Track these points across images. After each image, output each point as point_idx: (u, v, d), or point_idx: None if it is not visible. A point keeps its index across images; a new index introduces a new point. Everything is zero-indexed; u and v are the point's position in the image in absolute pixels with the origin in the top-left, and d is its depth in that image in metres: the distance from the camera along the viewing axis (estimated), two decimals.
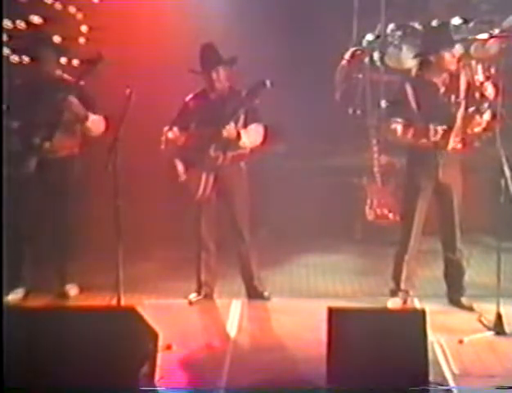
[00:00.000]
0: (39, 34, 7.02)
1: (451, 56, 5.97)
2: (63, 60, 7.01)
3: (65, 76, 6.49)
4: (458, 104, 5.99)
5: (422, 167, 6.05)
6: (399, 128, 5.95)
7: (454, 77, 6.04)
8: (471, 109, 5.98)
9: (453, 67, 6.01)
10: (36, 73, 6.47)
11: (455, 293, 6.22)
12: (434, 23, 7.73)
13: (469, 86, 6.09)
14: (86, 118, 6.36)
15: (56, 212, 6.54)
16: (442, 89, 6.02)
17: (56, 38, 7.18)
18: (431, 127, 5.87)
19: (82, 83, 6.33)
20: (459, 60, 6.08)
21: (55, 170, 6.38)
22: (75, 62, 7.43)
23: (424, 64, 6.10)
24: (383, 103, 7.28)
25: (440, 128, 5.88)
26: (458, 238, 6.16)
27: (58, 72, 6.50)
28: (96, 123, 6.43)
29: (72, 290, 6.58)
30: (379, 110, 7.57)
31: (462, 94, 6.01)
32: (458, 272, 6.22)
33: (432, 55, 6.00)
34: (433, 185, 6.07)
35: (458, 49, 6.19)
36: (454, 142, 5.99)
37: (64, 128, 6.34)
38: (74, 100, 6.29)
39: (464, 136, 6.01)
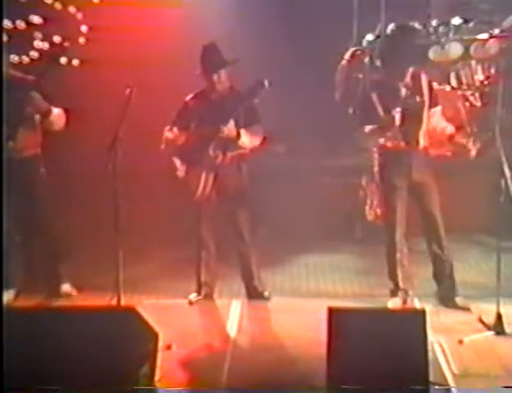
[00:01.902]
0: None
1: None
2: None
3: (20, 74, 6.35)
4: (422, 103, 6.02)
5: (396, 167, 6.06)
6: (367, 128, 5.98)
7: (415, 78, 6.06)
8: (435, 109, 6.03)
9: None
10: None
11: (445, 292, 6.20)
12: (434, 23, 7.76)
13: (431, 85, 6.14)
14: (49, 112, 6.31)
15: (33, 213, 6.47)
16: (404, 91, 6.02)
17: (57, 38, 7.17)
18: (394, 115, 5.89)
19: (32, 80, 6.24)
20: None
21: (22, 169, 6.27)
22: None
23: None
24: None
25: (398, 110, 5.87)
26: (443, 237, 6.14)
27: (13, 72, 6.35)
28: (58, 117, 6.38)
29: (72, 290, 6.58)
30: None
31: (425, 93, 6.05)
32: (447, 271, 6.20)
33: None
34: (407, 184, 6.08)
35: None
36: (424, 141, 6.02)
37: (26, 127, 6.26)
38: (35, 95, 6.23)
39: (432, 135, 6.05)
